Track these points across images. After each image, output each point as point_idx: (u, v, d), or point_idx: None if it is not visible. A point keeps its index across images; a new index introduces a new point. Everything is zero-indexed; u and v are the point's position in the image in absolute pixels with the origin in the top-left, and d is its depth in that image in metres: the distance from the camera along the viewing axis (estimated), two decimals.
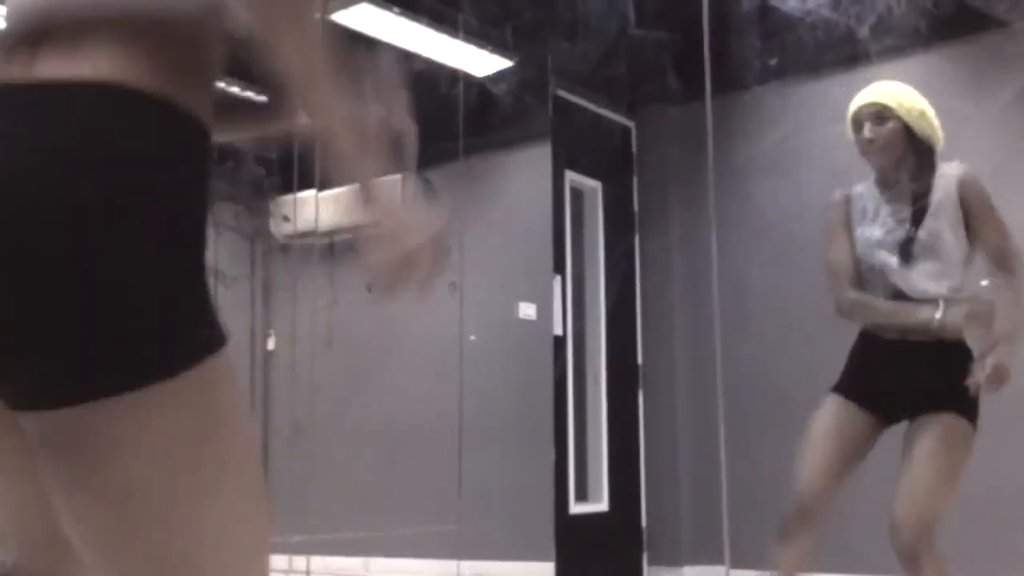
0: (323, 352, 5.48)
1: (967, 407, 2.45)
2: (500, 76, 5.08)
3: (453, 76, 5.07)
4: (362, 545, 5.37)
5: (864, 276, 2.57)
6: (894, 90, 2.60)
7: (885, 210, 2.58)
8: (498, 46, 4.91)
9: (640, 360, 5.18)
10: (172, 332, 0.77)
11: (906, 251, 2.50)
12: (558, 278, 4.91)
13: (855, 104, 2.61)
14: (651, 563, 5.00)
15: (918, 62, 4.53)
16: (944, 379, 2.45)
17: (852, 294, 2.57)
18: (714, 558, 4.60)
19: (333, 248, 5.92)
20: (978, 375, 2.38)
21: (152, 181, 0.77)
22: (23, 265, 0.72)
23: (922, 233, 2.49)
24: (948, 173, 2.54)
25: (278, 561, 5.62)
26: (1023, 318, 2.47)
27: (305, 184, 5.21)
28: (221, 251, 6.26)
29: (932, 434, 2.40)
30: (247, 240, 6.28)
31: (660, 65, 4.95)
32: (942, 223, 2.49)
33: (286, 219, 5.80)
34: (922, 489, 2.36)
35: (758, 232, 4.74)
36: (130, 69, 0.78)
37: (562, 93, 5.00)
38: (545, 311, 4.93)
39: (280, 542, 5.73)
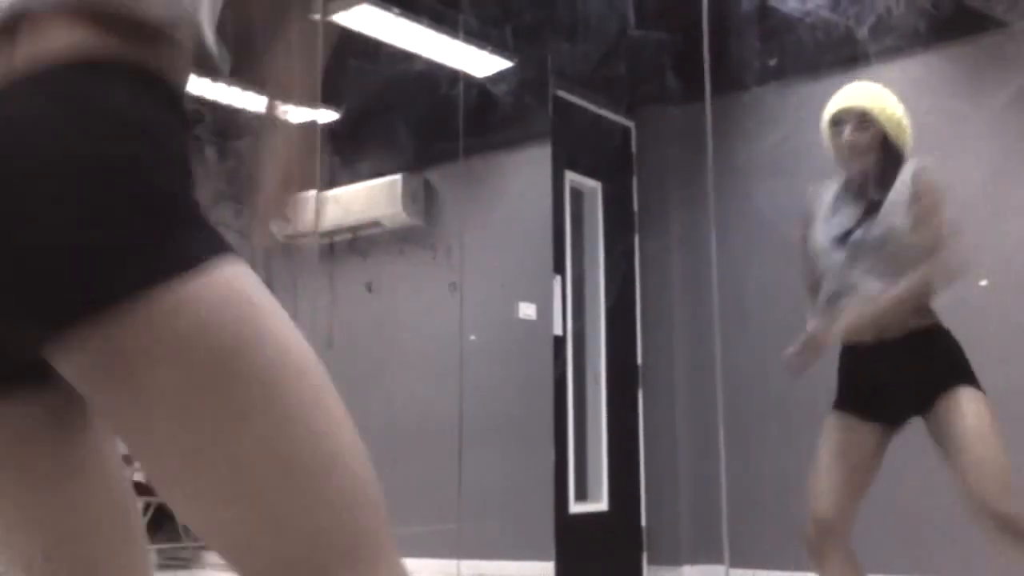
0: (324, 351, 5.47)
1: (969, 377, 2.45)
2: (500, 76, 5.09)
3: (453, 76, 5.08)
4: None
5: (817, 274, 2.59)
6: (876, 95, 2.56)
7: (844, 210, 2.57)
8: (498, 47, 4.93)
9: (640, 360, 5.19)
10: (168, 241, 0.78)
11: (852, 250, 2.50)
12: (558, 278, 4.92)
13: (836, 105, 2.57)
14: (651, 562, 5.01)
15: (917, 62, 4.54)
16: (935, 362, 2.46)
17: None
18: (713, 557, 4.61)
19: (333, 248, 5.93)
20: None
21: (135, 128, 0.79)
22: (22, 200, 0.74)
23: (871, 231, 2.48)
24: (907, 169, 2.52)
25: None
26: (890, 310, 2.45)
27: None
28: None
29: (961, 411, 2.40)
30: (248, 240, 6.30)
31: (660, 66, 4.96)
32: (894, 221, 2.47)
33: (286, 219, 5.84)
34: (990, 459, 2.36)
35: (758, 232, 4.75)
36: (100, 41, 0.80)
37: (562, 93, 5.01)
38: (545, 311, 4.94)
39: None
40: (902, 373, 2.48)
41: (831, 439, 2.54)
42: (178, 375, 0.76)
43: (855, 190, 2.58)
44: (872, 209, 2.51)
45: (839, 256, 2.52)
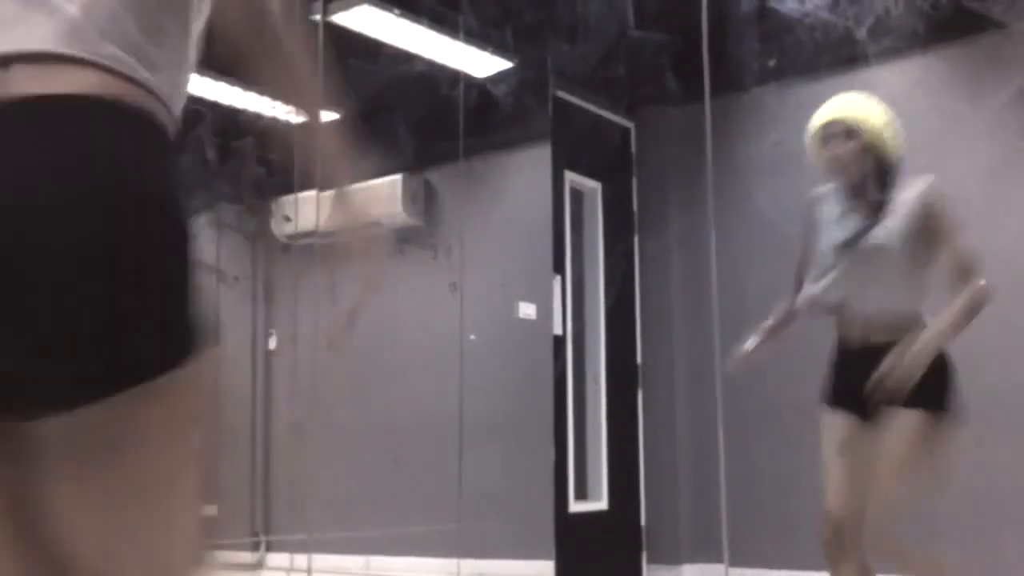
0: (324, 351, 5.48)
1: (929, 401, 2.47)
2: (500, 77, 5.09)
3: (454, 77, 5.08)
4: (363, 543, 5.38)
5: (822, 273, 2.63)
6: (859, 106, 2.59)
7: (849, 216, 2.61)
8: (498, 47, 4.93)
9: (639, 359, 5.20)
10: (177, 325, 0.82)
11: (853, 257, 2.54)
12: (558, 278, 4.92)
13: (821, 119, 2.60)
14: (650, 561, 5.02)
15: (915, 63, 4.54)
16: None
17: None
18: (713, 556, 4.62)
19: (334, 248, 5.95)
20: (884, 377, 2.43)
21: (148, 187, 0.82)
22: (41, 274, 0.76)
23: (872, 240, 2.52)
24: (913, 187, 2.55)
25: (280, 559, 5.64)
26: (948, 333, 2.48)
27: (306, 185, 5.22)
28: (223, 251, 6.27)
29: (895, 433, 2.46)
30: (249, 240, 6.28)
31: (659, 66, 4.96)
32: (892, 235, 2.51)
33: (287, 219, 5.79)
34: (880, 486, 2.44)
35: (757, 232, 4.76)
36: (103, 83, 0.82)
37: (562, 94, 5.02)
38: (545, 311, 4.95)
39: (282, 540, 5.75)
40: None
41: (831, 438, 2.58)
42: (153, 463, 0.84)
43: (851, 198, 2.61)
44: (871, 218, 2.54)
45: (841, 263, 2.55)
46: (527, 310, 5.10)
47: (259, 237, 6.21)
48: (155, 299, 0.80)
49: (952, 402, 2.52)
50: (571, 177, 5.12)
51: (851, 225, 2.58)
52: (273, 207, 5.95)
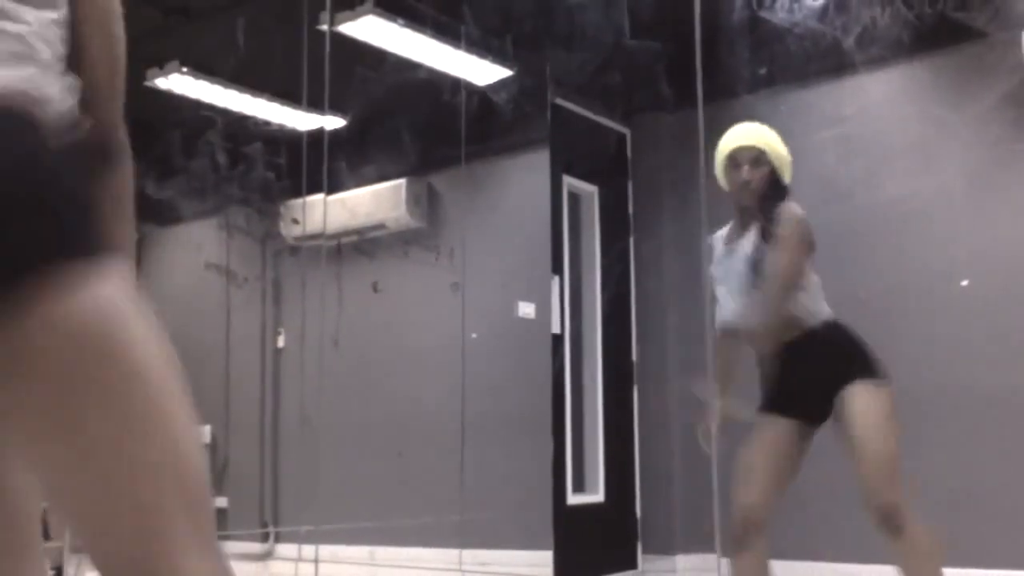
0: (331, 349, 5.50)
1: (867, 369, 2.61)
2: (500, 85, 5.10)
3: (455, 85, 5.08)
4: (368, 534, 5.41)
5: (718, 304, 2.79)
6: (766, 135, 2.74)
7: (744, 240, 2.74)
8: (499, 56, 4.94)
9: (635, 357, 5.22)
10: (64, 229, 0.86)
11: (755, 274, 2.67)
12: (556, 278, 4.94)
13: (732, 143, 2.73)
14: (645, 551, 5.05)
15: (901, 72, 4.59)
16: (834, 359, 2.63)
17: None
18: (705, 547, 4.62)
19: (340, 249, 5.98)
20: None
21: (45, 162, 0.89)
22: None
23: (767, 257, 2.66)
24: (788, 208, 2.69)
25: (288, 549, 5.74)
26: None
27: (314, 188, 5.29)
28: (233, 252, 6.36)
29: (856, 405, 2.56)
30: (258, 242, 6.32)
31: (654, 74, 4.96)
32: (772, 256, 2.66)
33: (295, 222, 5.82)
34: (875, 453, 2.51)
35: None
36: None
37: (560, 101, 5.03)
38: (544, 310, 4.95)
39: (290, 531, 5.84)
40: (804, 372, 2.64)
41: (757, 438, 2.69)
42: (61, 367, 0.84)
43: (746, 221, 2.74)
44: (765, 238, 2.68)
45: (748, 287, 2.69)
46: (526, 309, 5.11)
47: (268, 239, 6.23)
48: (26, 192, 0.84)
49: (882, 367, 2.65)
50: (569, 181, 5.13)
51: (747, 249, 2.71)
52: (282, 210, 5.97)
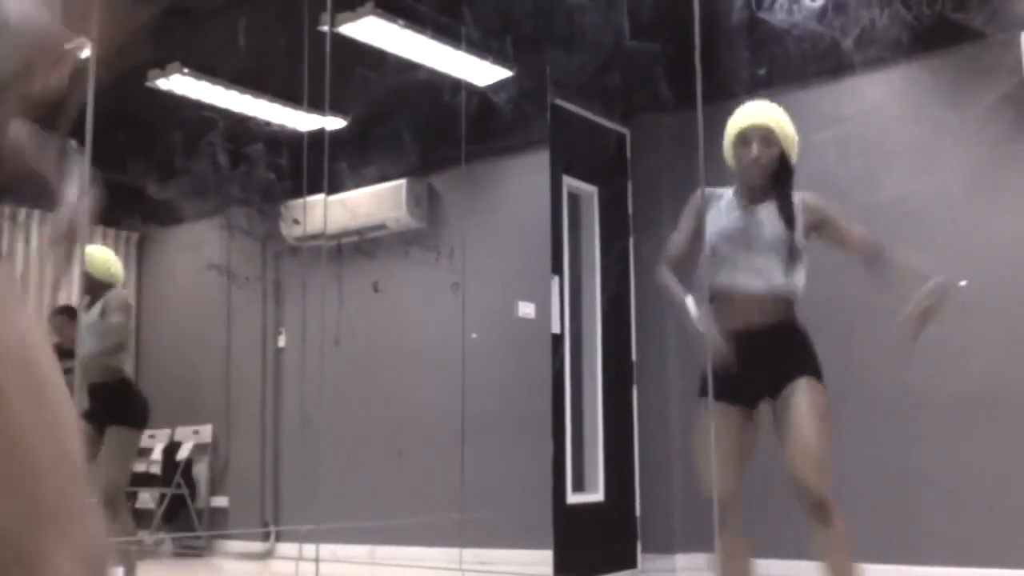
0: (331, 349, 5.51)
1: (814, 370, 2.64)
2: (501, 86, 5.12)
3: (456, 86, 5.09)
4: (369, 533, 5.43)
5: (713, 264, 2.75)
6: (778, 114, 2.73)
7: (742, 214, 2.74)
8: (499, 57, 4.96)
9: (634, 357, 5.23)
10: None
11: (749, 246, 2.67)
12: (556, 278, 4.94)
13: (743, 121, 2.72)
14: (645, 550, 5.07)
15: (899, 72, 4.61)
16: (789, 355, 2.65)
17: (665, 276, 2.77)
18: (704, 546, 4.66)
19: (341, 249, 6.01)
20: (912, 311, 2.58)
21: None
22: None
23: (767, 232, 2.67)
24: (798, 194, 2.73)
25: (289, 548, 5.77)
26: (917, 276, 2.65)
27: (314, 188, 5.32)
28: (234, 253, 6.39)
29: (798, 398, 2.58)
30: (259, 242, 6.35)
31: (653, 75, 4.97)
32: (783, 230, 2.67)
33: (296, 222, 5.85)
34: (813, 443, 2.54)
35: None
36: None
37: (560, 102, 5.04)
38: (544, 310, 4.96)
39: (290, 530, 5.87)
40: (764, 361, 2.64)
41: (720, 428, 2.67)
42: None
43: (752, 198, 2.75)
44: (767, 215, 2.69)
45: (735, 251, 2.69)
46: (526, 309, 5.13)
47: (269, 239, 6.27)
48: None
49: (820, 369, 2.68)
50: (569, 181, 5.14)
51: (747, 220, 2.71)
52: (282, 210, 6.00)
